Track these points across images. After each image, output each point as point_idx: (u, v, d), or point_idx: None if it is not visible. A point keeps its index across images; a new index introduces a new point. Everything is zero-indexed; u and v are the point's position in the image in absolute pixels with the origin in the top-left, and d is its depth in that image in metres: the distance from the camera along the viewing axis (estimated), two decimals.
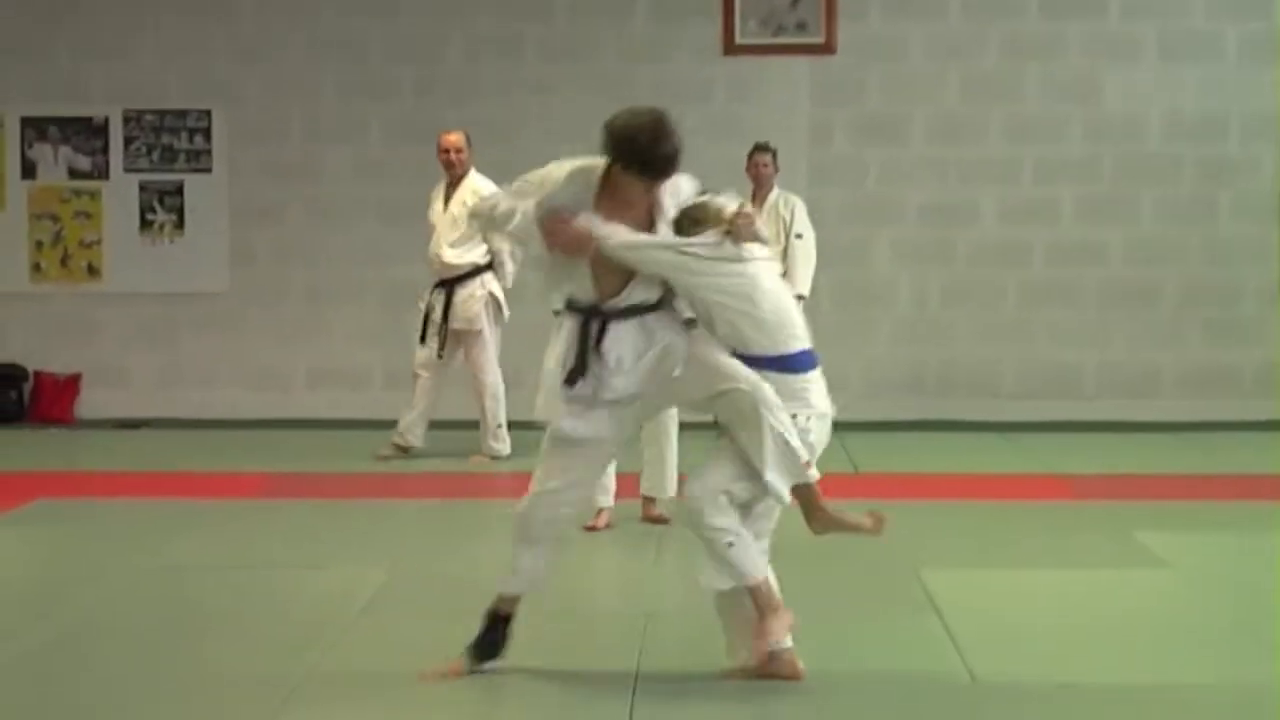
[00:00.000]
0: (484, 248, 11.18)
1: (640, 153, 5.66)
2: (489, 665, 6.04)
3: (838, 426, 12.83)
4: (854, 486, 10.35)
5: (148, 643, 6.67)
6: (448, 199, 11.20)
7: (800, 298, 11.67)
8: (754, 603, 5.87)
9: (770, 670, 5.91)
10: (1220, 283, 13.02)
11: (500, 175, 12.79)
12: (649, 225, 5.80)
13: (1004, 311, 13.09)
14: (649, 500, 9.03)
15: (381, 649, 6.60)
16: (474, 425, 11.35)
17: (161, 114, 13.30)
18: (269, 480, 10.56)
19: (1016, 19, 13.02)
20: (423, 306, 11.29)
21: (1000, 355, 13.10)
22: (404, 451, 11.32)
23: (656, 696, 5.88)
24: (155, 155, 13.31)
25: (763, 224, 5.96)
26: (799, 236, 11.54)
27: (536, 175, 6.00)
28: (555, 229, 5.78)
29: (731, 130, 12.47)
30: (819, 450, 5.97)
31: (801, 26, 13.00)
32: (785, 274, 11.51)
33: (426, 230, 11.24)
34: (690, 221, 5.81)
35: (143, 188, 13.35)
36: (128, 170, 13.34)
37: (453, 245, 11.14)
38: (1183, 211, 13.01)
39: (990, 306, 13.09)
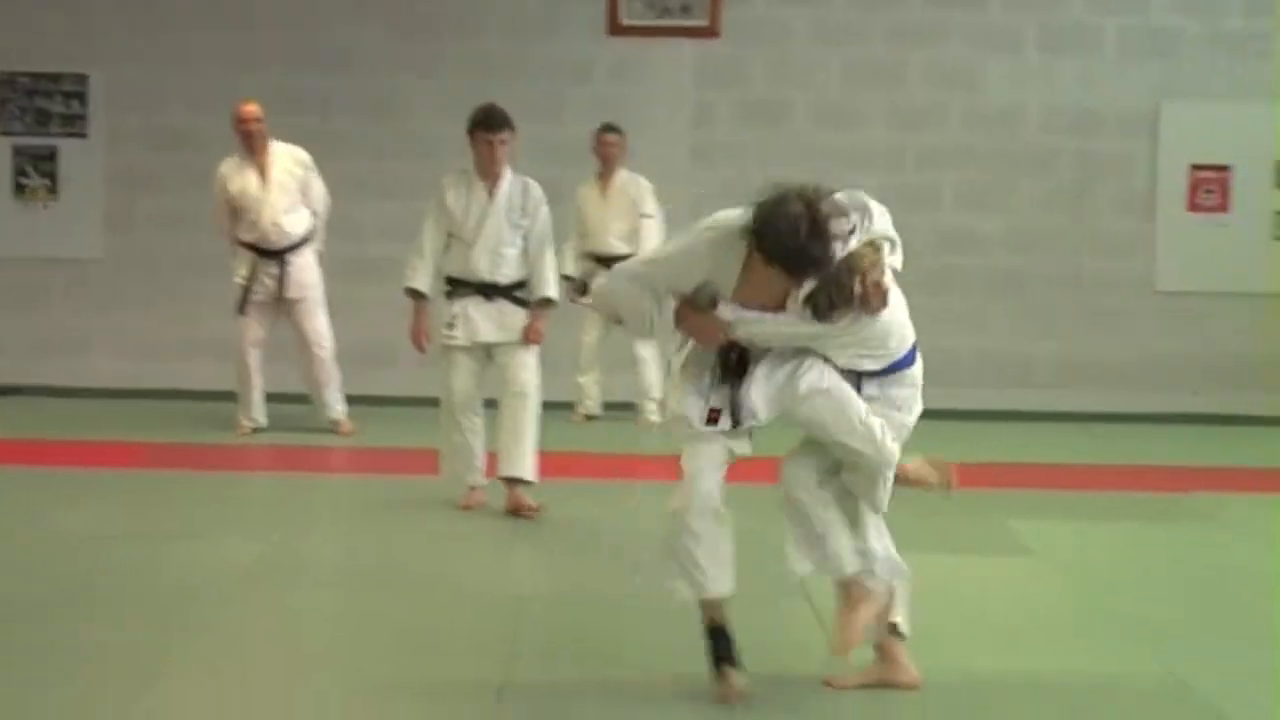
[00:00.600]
0: (308, 212, 11.18)
1: (789, 253, 5.39)
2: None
3: None
4: (734, 469, 10.43)
5: (19, 613, 6.65)
6: (262, 171, 11.06)
7: None
8: (850, 592, 5.92)
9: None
10: (1095, 274, 13.20)
11: (382, 147, 12.91)
12: (785, 299, 5.62)
13: None
14: (510, 483, 8.79)
15: (257, 619, 6.69)
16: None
17: (36, 77, 13.11)
18: (143, 450, 10.55)
19: (900, 7, 13.12)
20: (241, 280, 11.15)
21: None
22: (254, 431, 11.29)
23: (527, 677, 5.97)
24: (29, 118, 13.12)
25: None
26: (648, 216, 11.76)
27: (671, 252, 5.84)
28: (691, 324, 5.71)
29: (615, 111, 12.50)
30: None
31: (686, 9, 13.04)
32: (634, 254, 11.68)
33: (238, 206, 11.09)
34: (846, 270, 5.58)
35: (16, 151, 13.15)
36: (0, 133, 13.14)
37: (286, 213, 11.10)
38: (1060, 202, 13.17)
39: None
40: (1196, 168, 13.17)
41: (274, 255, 11.09)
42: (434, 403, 12.25)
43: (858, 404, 5.72)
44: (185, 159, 12.86)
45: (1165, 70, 13.15)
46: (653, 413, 12.07)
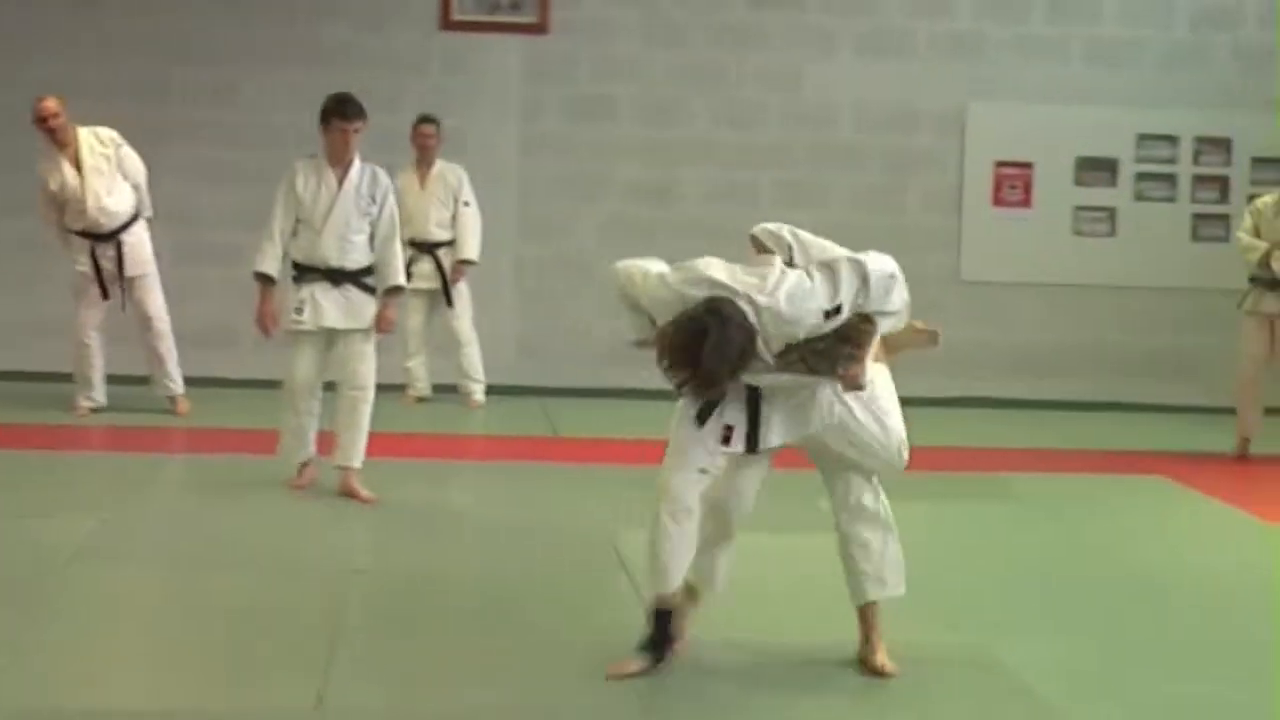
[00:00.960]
0: (129, 188, 11.29)
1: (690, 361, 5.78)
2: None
3: (542, 393, 13.33)
4: (552, 450, 10.81)
5: None
6: (75, 161, 11.10)
7: (469, 262, 12.15)
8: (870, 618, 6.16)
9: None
10: (905, 266, 13.55)
11: (220, 135, 13.02)
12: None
13: None
14: (343, 470, 8.88)
15: (84, 596, 6.75)
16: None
17: None
18: None
19: (723, 9, 13.38)
20: (83, 268, 11.23)
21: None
22: (93, 412, 11.43)
23: (355, 650, 6.11)
24: None
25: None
26: (466, 204, 12.08)
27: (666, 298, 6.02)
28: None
29: (446, 104, 12.73)
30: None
31: (516, 6, 13.26)
32: (454, 241, 12.01)
33: (63, 200, 11.15)
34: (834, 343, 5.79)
35: None
36: None
37: (109, 195, 11.18)
38: (872, 199, 13.57)
39: None
40: (1001, 165, 13.68)
41: (108, 238, 11.20)
42: (272, 385, 12.37)
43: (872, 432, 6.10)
44: (18, 142, 12.88)
45: (972, 72, 13.61)
46: (479, 393, 12.39)
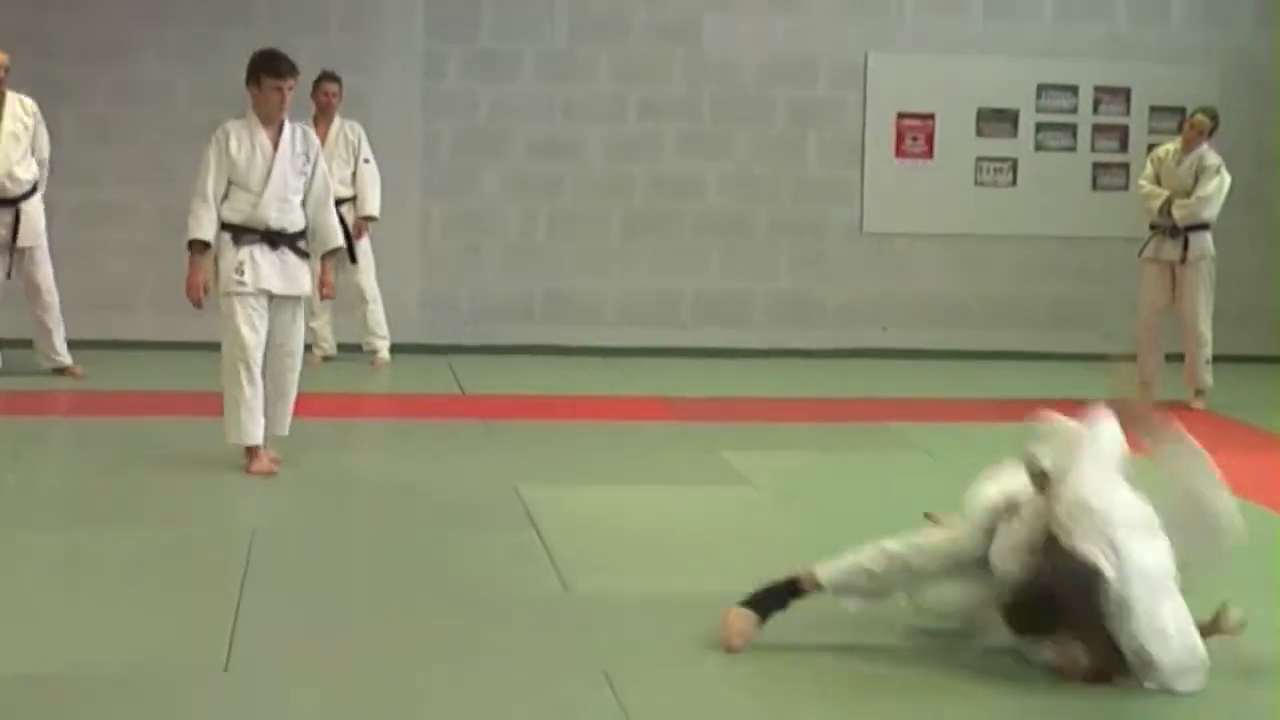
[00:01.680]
0: (34, 161, 11.20)
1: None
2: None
3: (448, 350, 13.30)
4: (460, 407, 10.81)
5: None
6: None
7: (372, 219, 12.11)
8: None
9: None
10: (808, 219, 13.71)
11: (113, 93, 12.88)
12: None
13: (607, 241, 13.57)
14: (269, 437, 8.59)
15: None
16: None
17: None
18: None
19: None
20: None
21: (604, 283, 13.57)
22: None
23: (263, 609, 6.10)
24: None
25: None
26: (367, 161, 12.05)
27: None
28: None
29: (347, 59, 12.64)
30: None
31: None
32: (355, 198, 11.96)
33: None
34: None
35: None
36: None
37: (19, 163, 11.08)
38: (775, 151, 13.63)
39: (595, 237, 13.55)
40: (902, 116, 13.77)
41: (8, 204, 11.10)
42: (171, 347, 12.39)
43: None
44: None
45: (873, 24, 13.66)
46: (384, 350, 12.34)
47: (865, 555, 5.71)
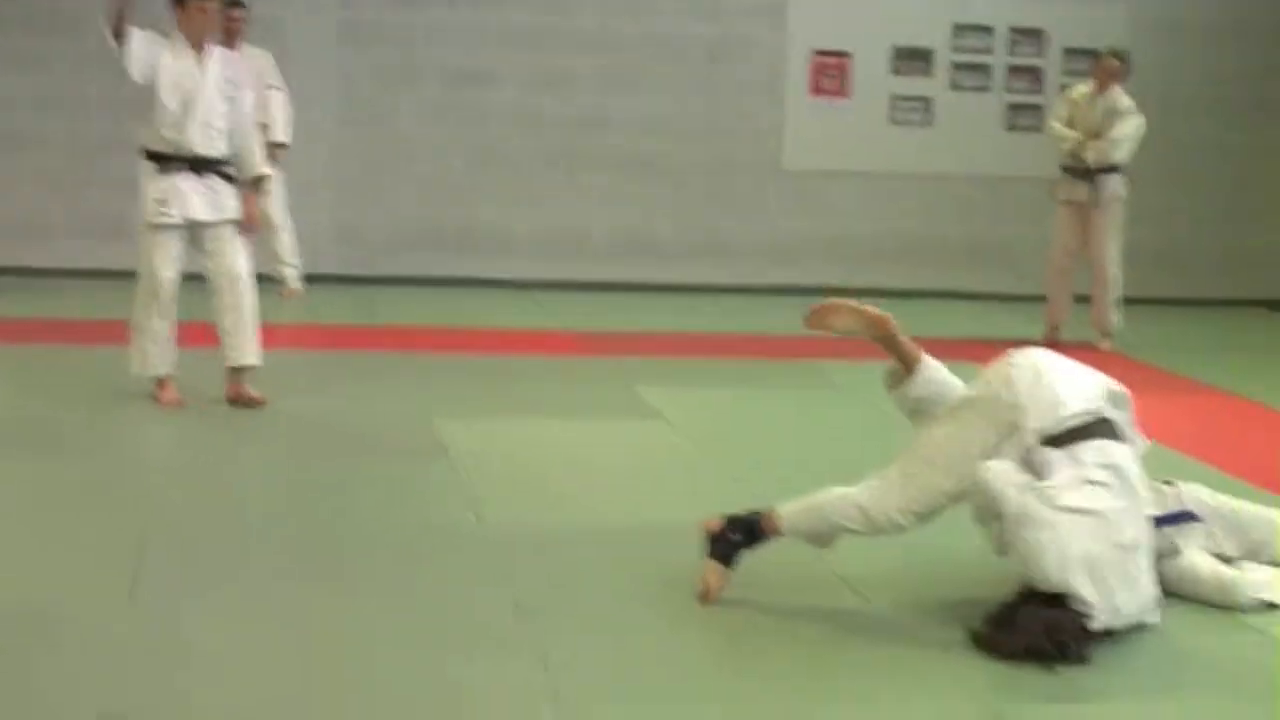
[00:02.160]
0: None
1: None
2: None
3: (362, 281, 13.21)
4: (371, 338, 10.79)
5: None
6: None
7: (281, 145, 12.02)
8: None
9: None
10: (723, 155, 13.74)
11: (25, 20, 12.71)
12: None
13: (522, 174, 13.54)
14: (236, 372, 8.45)
15: None
16: None
17: None
18: None
19: None
20: None
21: (517, 216, 13.55)
22: None
23: (170, 546, 6.10)
24: None
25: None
26: (274, 88, 11.94)
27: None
28: None
29: None
30: None
31: None
32: (266, 125, 11.86)
33: None
34: None
35: None
36: None
37: None
38: (692, 88, 13.62)
39: (509, 170, 13.51)
40: (819, 54, 13.79)
41: None
42: (86, 275, 12.27)
43: None
44: None
45: None
46: (294, 279, 12.27)
47: (831, 503, 5.61)
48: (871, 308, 5.81)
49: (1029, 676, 5.06)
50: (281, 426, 8.25)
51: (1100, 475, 5.26)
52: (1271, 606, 5.66)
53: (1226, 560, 5.83)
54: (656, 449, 8.05)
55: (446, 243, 13.47)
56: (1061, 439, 5.31)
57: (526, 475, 7.34)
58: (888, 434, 6.42)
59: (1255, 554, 5.84)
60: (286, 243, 12.21)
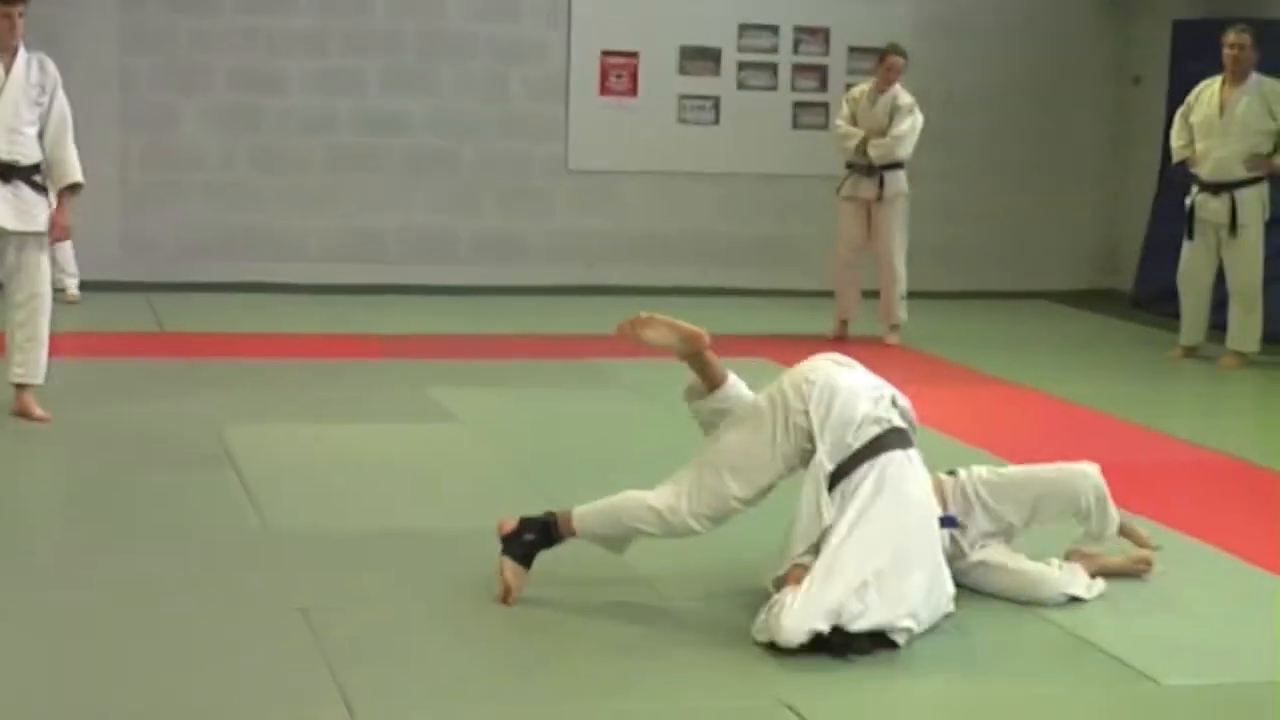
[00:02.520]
0: None
1: None
2: None
3: (149, 288, 12.99)
4: (160, 345, 10.65)
5: None
6: None
7: None
8: None
9: None
10: (513, 155, 13.75)
11: None
12: None
13: (311, 177, 13.44)
14: (22, 389, 8.30)
15: None
16: None
17: None
18: None
19: None
20: None
21: (308, 220, 13.45)
22: None
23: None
24: None
25: None
26: None
27: None
28: None
29: None
30: None
31: None
32: None
33: None
34: None
35: None
36: None
37: None
38: (479, 88, 13.61)
39: (299, 173, 13.41)
40: (607, 54, 13.84)
41: None
42: None
43: None
44: None
45: None
46: (73, 287, 12.02)
47: (626, 507, 5.67)
48: (686, 324, 5.84)
49: (820, 666, 5.15)
50: (65, 436, 8.13)
51: (874, 503, 5.43)
52: (1075, 600, 5.82)
53: (1010, 530, 5.97)
54: (449, 451, 8.06)
55: (235, 248, 13.32)
56: (846, 464, 5.47)
57: (315, 480, 7.32)
58: (679, 432, 6.48)
59: (1038, 511, 5.96)
60: (67, 250, 11.98)
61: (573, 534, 5.69)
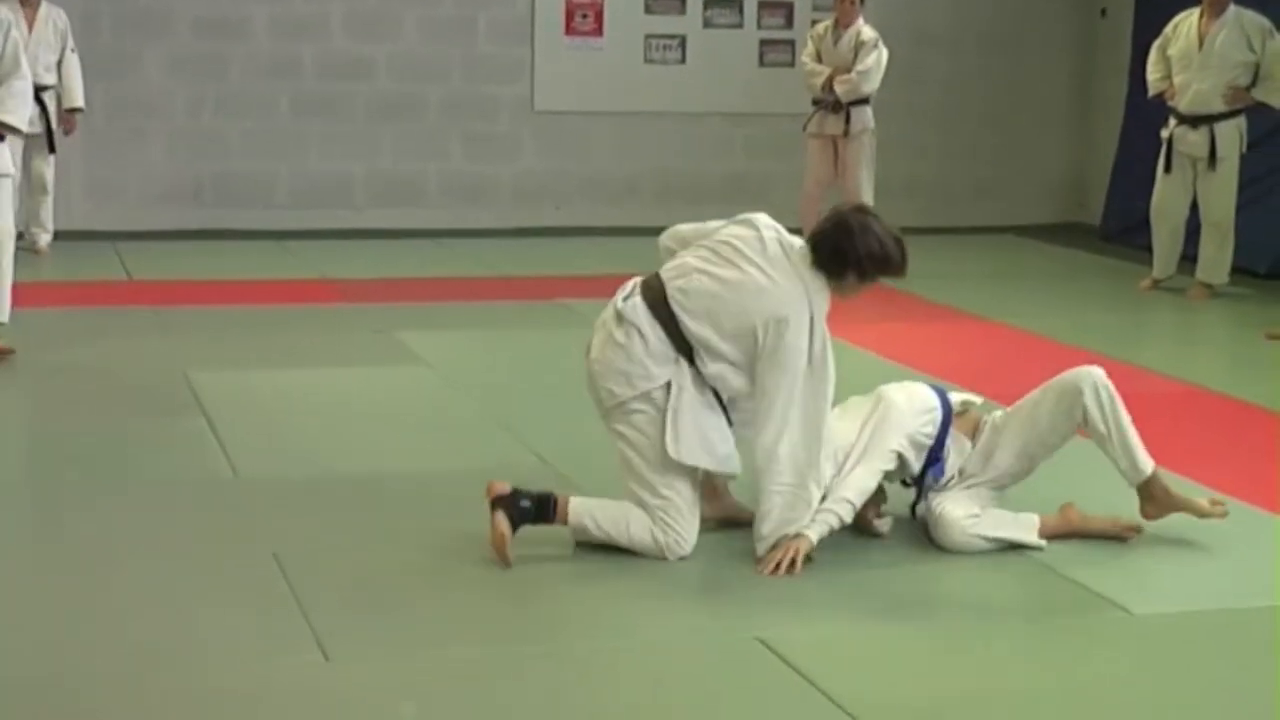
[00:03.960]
0: None
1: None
2: None
3: (115, 237, 12.93)
4: (126, 294, 10.60)
5: None
6: None
7: (78, 110, 11.84)
8: None
9: None
10: (479, 99, 13.68)
11: None
12: None
13: (276, 123, 13.37)
14: None
15: None
16: None
17: None
18: None
19: None
20: None
21: (274, 166, 13.38)
22: None
23: None
24: None
25: None
26: (74, 50, 11.75)
27: None
28: None
29: None
30: None
31: None
32: (56, 87, 11.67)
33: None
34: None
35: None
36: None
37: None
38: (444, 30, 13.53)
39: (263, 119, 13.33)
40: None
41: None
42: None
43: None
44: None
45: None
46: (44, 240, 11.96)
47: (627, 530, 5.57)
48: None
49: (792, 602, 5.17)
50: (31, 382, 8.11)
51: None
52: (1019, 547, 5.77)
53: (1002, 478, 5.94)
54: (418, 395, 8.05)
55: (202, 195, 13.26)
56: None
57: (285, 426, 7.30)
58: None
59: (1036, 429, 5.86)
60: (49, 206, 11.93)
61: (564, 521, 5.59)
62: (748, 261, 5.60)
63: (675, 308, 5.57)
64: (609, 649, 4.91)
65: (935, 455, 5.83)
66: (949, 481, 5.86)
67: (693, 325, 5.54)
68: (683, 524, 5.53)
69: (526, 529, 5.52)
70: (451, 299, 10.59)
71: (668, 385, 5.52)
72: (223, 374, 8.16)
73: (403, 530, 5.82)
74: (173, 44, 13.10)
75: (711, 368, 5.53)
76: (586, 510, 5.58)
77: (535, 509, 5.54)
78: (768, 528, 5.48)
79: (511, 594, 5.28)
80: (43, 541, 5.67)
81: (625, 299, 5.68)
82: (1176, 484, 6.02)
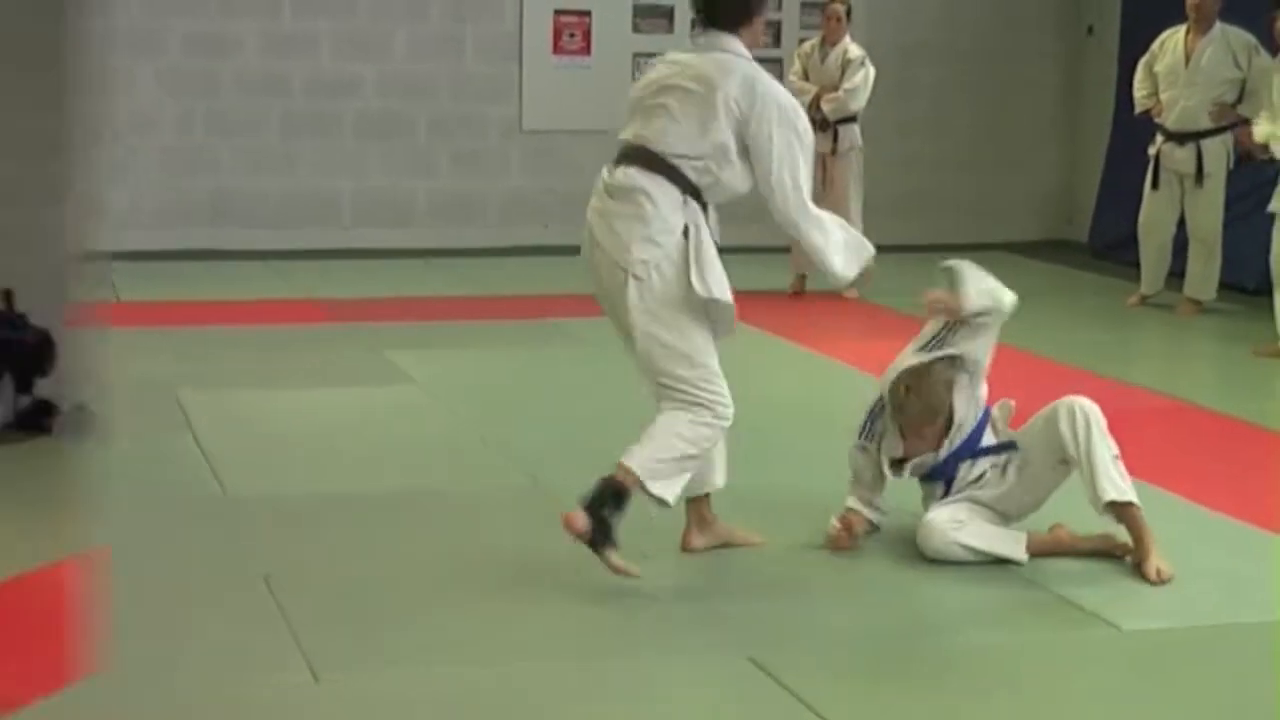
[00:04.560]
0: None
1: None
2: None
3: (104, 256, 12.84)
4: (116, 314, 10.56)
5: None
6: None
7: None
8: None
9: None
10: (467, 118, 13.69)
11: None
12: None
13: (267, 142, 13.37)
14: None
15: None
16: None
17: None
18: None
19: None
20: None
21: (264, 185, 13.38)
22: None
23: None
24: None
25: None
26: None
27: None
28: None
29: None
30: None
31: None
32: None
33: None
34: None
35: None
36: None
37: None
38: (433, 49, 13.53)
39: (253, 137, 13.34)
40: (560, 13, 13.75)
41: None
42: None
43: None
44: None
45: None
46: None
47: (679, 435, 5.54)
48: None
49: (783, 620, 5.18)
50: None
51: None
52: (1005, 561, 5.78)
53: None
54: (407, 414, 8.04)
55: (191, 214, 13.25)
56: None
57: (274, 445, 7.30)
58: (637, 387, 6.48)
59: (1028, 466, 5.93)
60: None
61: (638, 484, 5.43)
62: (680, 76, 5.77)
63: (661, 149, 5.73)
64: (599, 668, 4.91)
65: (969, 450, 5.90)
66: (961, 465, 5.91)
67: (683, 147, 5.68)
68: (723, 386, 5.63)
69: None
70: (440, 318, 10.58)
71: (685, 231, 5.62)
72: (212, 393, 8.17)
73: (392, 549, 5.82)
74: (165, 61, 13.09)
75: (724, 174, 5.71)
76: (644, 467, 5.45)
77: (615, 504, 5.40)
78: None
79: (500, 614, 5.28)
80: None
81: (610, 177, 5.89)
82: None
